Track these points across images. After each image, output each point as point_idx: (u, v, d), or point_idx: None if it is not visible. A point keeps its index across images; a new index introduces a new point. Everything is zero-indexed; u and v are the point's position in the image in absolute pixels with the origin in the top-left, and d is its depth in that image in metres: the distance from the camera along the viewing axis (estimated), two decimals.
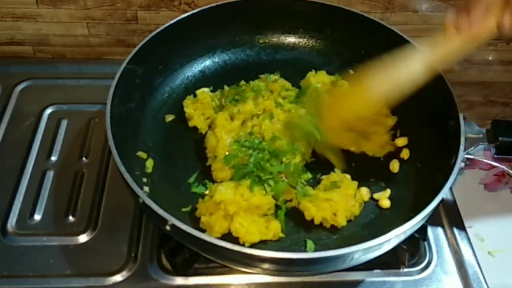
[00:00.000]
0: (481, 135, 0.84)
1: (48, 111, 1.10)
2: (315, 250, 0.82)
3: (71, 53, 1.25)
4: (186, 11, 1.04)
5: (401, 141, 0.96)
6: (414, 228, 0.77)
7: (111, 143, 0.81)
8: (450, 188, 0.97)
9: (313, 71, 1.04)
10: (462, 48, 0.74)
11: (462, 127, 0.84)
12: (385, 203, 0.88)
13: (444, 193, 0.77)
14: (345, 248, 0.72)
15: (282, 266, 0.77)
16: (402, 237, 0.78)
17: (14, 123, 1.08)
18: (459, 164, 0.80)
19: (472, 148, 0.84)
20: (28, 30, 1.20)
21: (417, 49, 0.78)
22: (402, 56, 0.78)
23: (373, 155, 0.95)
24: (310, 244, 0.83)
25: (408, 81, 0.77)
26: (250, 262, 0.76)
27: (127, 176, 0.78)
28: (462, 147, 0.82)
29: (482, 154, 0.98)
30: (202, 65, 1.09)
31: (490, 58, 1.23)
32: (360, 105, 0.81)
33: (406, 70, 0.77)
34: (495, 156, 0.85)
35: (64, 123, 1.08)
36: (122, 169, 0.78)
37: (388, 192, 0.89)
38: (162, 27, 0.99)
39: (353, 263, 0.77)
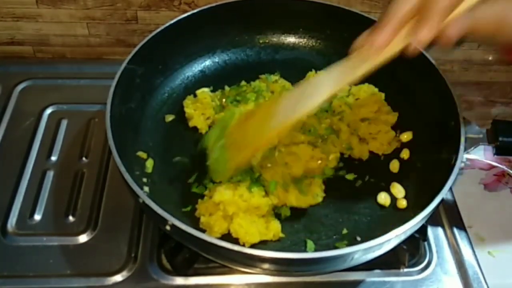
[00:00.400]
0: (481, 135, 0.84)
1: (48, 111, 1.10)
2: (315, 250, 0.82)
3: (71, 53, 1.25)
4: (186, 11, 1.04)
5: (406, 136, 0.96)
6: (414, 228, 0.77)
7: (111, 142, 0.81)
8: (450, 188, 0.97)
9: (313, 71, 1.04)
10: (369, 66, 0.71)
11: (462, 127, 0.83)
12: (403, 203, 0.88)
13: (444, 194, 0.77)
14: (345, 248, 0.72)
15: (282, 266, 0.76)
16: (402, 237, 0.77)
17: (14, 123, 1.08)
18: (459, 164, 0.80)
19: (472, 148, 0.84)
20: (28, 30, 1.20)
21: (326, 73, 0.75)
22: (310, 82, 0.78)
23: (382, 153, 0.95)
24: (310, 244, 0.83)
25: (314, 104, 0.75)
26: (250, 262, 0.76)
27: (127, 176, 0.78)
28: (462, 147, 0.81)
29: (482, 154, 0.98)
30: (202, 65, 1.08)
31: (490, 58, 1.23)
32: (261, 130, 0.78)
33: (314, 93, 0.75)
34: (495, 156, 0.85)
35: (64, 123, 1.08)
36: (122, 169, 0.78)
37: (403, 191, 0.89)
38: (162, 27, 0.99)
39: (353, 263, 0.77)
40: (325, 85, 0.74)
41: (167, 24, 0.99)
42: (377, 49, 0.68)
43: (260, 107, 0.88)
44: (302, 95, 0.76)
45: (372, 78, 1.02)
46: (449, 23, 0.66)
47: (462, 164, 0.81)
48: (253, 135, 0.79)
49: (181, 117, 1.00)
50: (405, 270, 0.88)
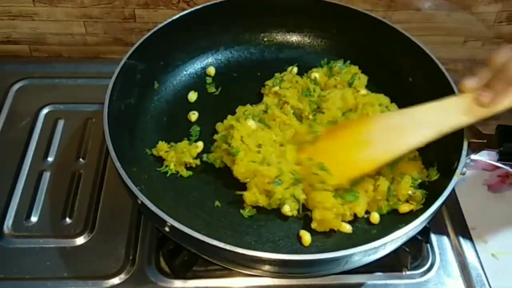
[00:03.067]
0: (485, 140, 0.84)
1: (45, 111, 1.09)
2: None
3: (68, 52, 1.24)
4: (184, 9, 1.03)
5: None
6: (411, 232, 0.76)
7: (108, 139, 0.80)
8: (454, 190, 0.97)
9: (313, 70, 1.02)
10: (477, 117, 0.74)
11: (466, 132, 0.83)
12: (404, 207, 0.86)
13: (443, 199, 0.76)
14: (340, 251, 0.71)
15: (278, 268, 0.76)
16: (400, 242, 0.77)
17: (10, 123, 1.07)
18: (461, 169, 0.80)
19: (475, 153, 0.83)
20: (24, 28, 1.19)
21: (427, 112, 0.76)
22: (415, 115, 0.76)
23: None
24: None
25: (415, 145, 0.76)
26: (248, 263, 0.75)
27: (125, 176, 0.77)
28: (464, 153, 0.81)
29: (486, 154, 0.97)
30: (205, 62, 1.08)
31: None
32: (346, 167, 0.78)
33: (417, 133, 0.75)
34: (498, 161, 0.85)
35: (60, 123, 1.07)
36: (120, 169, 0.78)
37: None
38: (164, 23, 0.99)
39: (350, 266, 0.76)
40: (428, 126, 0.75)
41: (169, 20, 0.99)
42: (492, 105, 0.73)
43: (348, 125, 0.84)
44: (402, 130, 0.76)
45: (375, 78, 1.04)
46: None
47: (464, 170, 0.81)
48: (341, 158, 0.78)
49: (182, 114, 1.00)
50: (408, 272, 0.87)
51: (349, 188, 0.82)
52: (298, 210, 0.84)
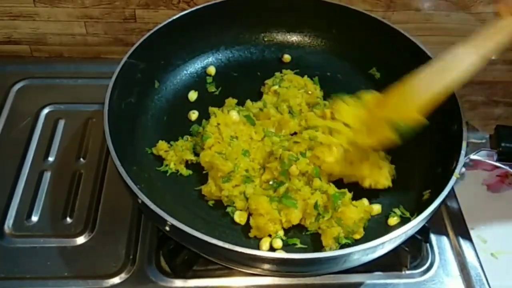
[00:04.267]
0: (483, 140, 0.84)
1: (45, 111, 1.09)
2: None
3: (69, 52, 1.24)
4: (184, 10, 1.03)
5: None
6: (409, 232, 0.76)
7: (108, 138, 0.81)
8: (453, 189, 0.97)
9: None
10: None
11: (465, 132, 0.83)
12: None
13: (441, 200, 0.77)
14: (338, 250, 0.72)
15: (278, 267, 0.76)
16: (398, 241, 0.77)
17: (10, 123, 1.07)
18: (460, 169, 0.80)
19: (474, 153, 0.84)
20: (25, 29, 1.19)
21: (465, 42, 0.74)
22: (451, 53, 0.75)
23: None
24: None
25: (460, 76, 0.74)
26: (249, 262, 0.75)
27: (125, 175, 0.77)
28: (463, 152, 0.81)
29: (485, 153, 0.97)
30: (205, 61, 1.08)
31: (493, 58, 1.23)
32: (410, 108, 0.77)
33: (458, 65, 0.74)
34: (497, 162, 0.85)
35: (61, 123, 1.07)
36: (120, 169, 0.78)
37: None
38: (165, 22, 0.99)
39: (348, 265, 0.77)
40: (470, 53, 0.73)
41: (170, 20, 0.99)
42: None
43: (396, 90, 0.83)
44: (443, 69, 0.75)
45: (375, 78, 1.04)
46: None
47: (463, 169, 0.81)
48: (395, 113, 0.78)
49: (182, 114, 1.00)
50: (407, 272, 0.87)
51: (288, 195, 0.82)
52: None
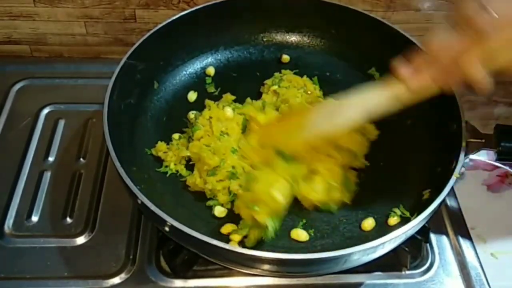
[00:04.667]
0: (483, 140, 0.84)
1: (45, 111, 1.09)
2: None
3: (69, 52, 1.24)
4: (184, 10, 1.03)
5: None
6: (409, 232, 0.76)
7: (108, 139, 0.80)
8: (453, 189, 0.97)
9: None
10: (399, 99, 0.76)
11: (464, 132, 0.83)
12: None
13: (441, 199, 0.76)
14: (339, 250, 0.72)
15: (278, 267, 0.76)
16: (398, 241, 0.77)
17: (10, 123, 1.07)
18: (460, 168, 0.80)
19: (474, 152, 0.83)
20: (25, 29, 1.19)
21: (359, 94, 0.80)
22: (346, 100, 0.81)
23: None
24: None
25: (343, 124, 0.81)
26: (248, 262, 0.75)
27: (124, 176, 0.77)
28: (463, 152, 0.81)
29: (485, 153, 0.97)
30: (204, 62, 1.08)
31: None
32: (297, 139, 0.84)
33: (343, 114, 0.80)
34: (497, 161, 0.85)
35: (61, 123, 1.07)
36: (120, 169, 0.78)
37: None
38: (164, 23, 0.99)
39: (348, 266, 0.76)
40: (355, 108, 0.79)
41: (169, 20, 0.99)
42: (420, 90, 0.73)
43: (295, 113, 0.92)
44: (332, 114, 0.82)
45: (374, 78, 1.04)
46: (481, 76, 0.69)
47: (463, 169, 0.80)
48: (283, 137, 0.85)
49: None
50: (407, 272, 0.87)
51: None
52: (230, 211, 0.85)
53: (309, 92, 0.99)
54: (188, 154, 0.91)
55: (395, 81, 0.76)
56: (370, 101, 0.78)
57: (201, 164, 0.87)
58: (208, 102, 0.96)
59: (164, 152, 0.92)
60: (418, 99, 0.75)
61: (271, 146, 0.85)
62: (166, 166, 0.91)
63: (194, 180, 0.87)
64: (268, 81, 1.01)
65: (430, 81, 0.72)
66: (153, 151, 0.92)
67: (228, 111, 0.93)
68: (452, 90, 0.72)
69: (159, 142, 0.93)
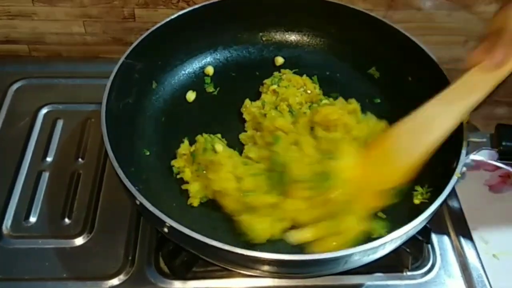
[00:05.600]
0: (484, 140, 0.84)
1: (44, 111, 1.09)
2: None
3: (67, 51, 1.23)
4: (184, 9, 1.03)
5: None
6: (410, 233, 0.76)
7: (105, 139, 0.80)
8: (455, 190, 0.97)
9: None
10: (488, 86, 0.74)
11: (465, 132, 0.83)
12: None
13: (442, 199, 0.76)
14: (339, 251, 0.71)
15: (278, 268, 0.76)
16: (399, 242, 0.77)
17: (8, 123, 1.07)
18: (461, 168, 0.79)
19: (475, 152, 0.83)
20: (23, 28, 1.19)
21: (440, 100, 0.76)
22: (426, 111, 0.76)
23: None
24: None
25: (438, 140, 0.75)
26: (247, 263, 0.75)
27: (123, 176, 0.77)
28: (464, 152, 0.81)
29: (486, 155, 0.97)
30: (203, 61, 1.07)
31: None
32: (390, 173, 0.77)
33: (436, 128, 0.75)
34: (498, 161, 0.84)
35: (60, 123, 1.07)
36: (118, 170, 0.77)
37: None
38: (162, 22, 0.98)
39: (349, 266, 0.76)
40: (443, 115, 0.75)
41: (167, 19, 0.99)
42: (497, 65, 0.71)
43: (372, 146, 0.83)
44: (419, 129, 0.76)
45: (374, 78, 1.04)
46: None
47: (464, 169, 0.80)
48: (376, 177, 0.78)
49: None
50: (409, 273, 0.87)
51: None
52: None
53: (308, 92, 0.99)
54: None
55: (468, 74, 0.74)
56: (453, 101, 0.75)
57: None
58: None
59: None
60: (499, 78, 0.74)
61: (369, 189, 0.78)
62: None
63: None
64: (267, 81, 1.01)
65: (504, 55, 0.71)
66: (175, 170, 0.90)
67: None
68: None
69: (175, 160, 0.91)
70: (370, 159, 0.80)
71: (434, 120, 0.76)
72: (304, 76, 1.01)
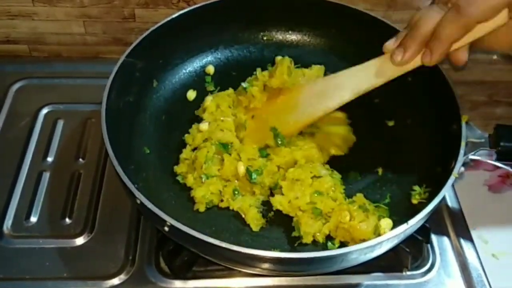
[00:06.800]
0: (482, 140, 0.84)
1: (44, 111, 1.09)
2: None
3: (68, 52, 1.23)
4: (184, 9, 1.03)
5: None
6: (408, 232, 0.76)
7: (105, 137, 0.80)
8: (454, 190, 0.97)
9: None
10: (391, 76, 0.79)
11: (464, 132, 0.83)
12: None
13: (439, 199, 0.76)
14: (336, 249, 0.72)
15: (276, 266, 0.76)
16: (396, 241, 0.77)
17: (9, 123, 1.06)
18: (459, 168, 0.80)
19: (473, 152, 0.83)
20: (23, 28, 1.19)
21: (350, 74, 0.83)
22: (335, 80, 0.85)
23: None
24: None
25: (332, 108, 0.84)
26: (246, 261, 0.75)
27: (122, 174, 0.77)
28: (462, 152, 0.81)
29: (485, 153, 0.97)
30: (204, 60, 1.08)
31: (494, 57, 1.22)
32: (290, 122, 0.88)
33: (335, 97, 0.84)
34: (496, 161, 0.85)
35: (60, 123, 1.07)
36: (118, 168, 0.77)
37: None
38: (163, 21, 0.98)
39: (346, 265, 0.77)
40: (346, 89, 0.83)
41: (168, 18, 0.99)
42: (402, 62, 0.76)
43: (283, 92, 0.91)
44: (324, 94, 0.85)
45: None
46: (458, 49, 0.73)
47: (462, 169, 0.81)
48: (272, 120, 0.88)
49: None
50: (408, 273, 0.87)
51: None
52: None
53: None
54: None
55: (381, 57, 0.79)
56: (358, 78, 0.81)
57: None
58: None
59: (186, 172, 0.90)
60: (402, 72, 0.78)
61: (268, 126, 0.88)
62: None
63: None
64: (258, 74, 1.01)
65: (413, 52, 0.74)
66: (179, 179, 0.90)
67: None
68: (433, 62, 0.74)
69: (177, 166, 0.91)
70: (276, 102, 0.91)
71: (337, 89, 0.84)
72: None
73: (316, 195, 0.82)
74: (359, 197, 0.84)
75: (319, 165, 0.86)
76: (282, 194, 0.84)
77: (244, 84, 0.96)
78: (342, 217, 0.79)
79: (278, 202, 0.84)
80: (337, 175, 0.87)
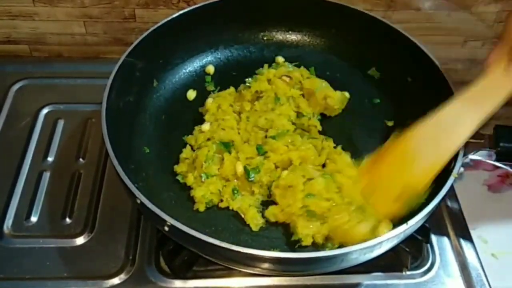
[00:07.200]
0: (482, 140, 0.84)
1: (45, 111, 1.09)
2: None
3: (68, 52, 1.23)
4: (184, 9, 1.03)
5: None
6: (407, 232, 0.76)
7: (105, 136, 0.80)
8: (454, 190, 0.97)
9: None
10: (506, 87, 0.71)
11: None
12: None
13: (439, 199, 0.76)
14: (335, 250, 0.72)
15: (276, 266, 0.76)
16: (396, 241, 0.77)
17: (10, 123, 1.07)
18: (458, 168, 0.79)
19: (473, 153, 0.83)
20: (24, 28, 1.19)
21: (463, 99, 0.73)
22: (447, 115, 0.73)
23: None
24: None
25: (463, 141, 0.73)
26: (246, 261, 0.76)
27: (122, 173, 0.77)
28: (462, 152, 0.81)
29: (484, 153, 0.97)
30: (204, 60, 1.08)
31: None
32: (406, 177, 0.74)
33: (460, 130, 0.73)
34: (496, 161, 0.84)
35: (60, 123, 1.07)
36: (118, 167, 0.77)
37: None
38: (163, 21, 0.99)
39: (347, 265, 0.77)
40: (466, 119, 0.72)
41: (168, 18, 0.99)
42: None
43: (391, 147, 0.81)
44: (441, 135, 0.73)
45: (374, 78, 1.04)
46: None
47: (462, 169, 0.80)
48: (392, 181, 0.76)
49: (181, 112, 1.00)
50: (408, 272, 0.87)
51: None
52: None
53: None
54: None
55: (491, 73, 0.71)
56: (481, 101, 0.73)
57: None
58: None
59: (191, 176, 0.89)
60: None
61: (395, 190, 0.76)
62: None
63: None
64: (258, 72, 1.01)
65: None
66: (179, 178, 0.90)
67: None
68: None
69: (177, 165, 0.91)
70: (386, 164, 0.78)
71: (456, 125, 0.74)
72: (302, 67, 1.01)
73: (308, 197, 0.81)
74: (359, 197, 0.84)
75: (311, 167, 0.85)
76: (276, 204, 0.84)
77: (247, 81, 0.97)
78: (340, 218, 0.79)
79: (272, 214, 0.83)
80: (329, 176, 0.84)
